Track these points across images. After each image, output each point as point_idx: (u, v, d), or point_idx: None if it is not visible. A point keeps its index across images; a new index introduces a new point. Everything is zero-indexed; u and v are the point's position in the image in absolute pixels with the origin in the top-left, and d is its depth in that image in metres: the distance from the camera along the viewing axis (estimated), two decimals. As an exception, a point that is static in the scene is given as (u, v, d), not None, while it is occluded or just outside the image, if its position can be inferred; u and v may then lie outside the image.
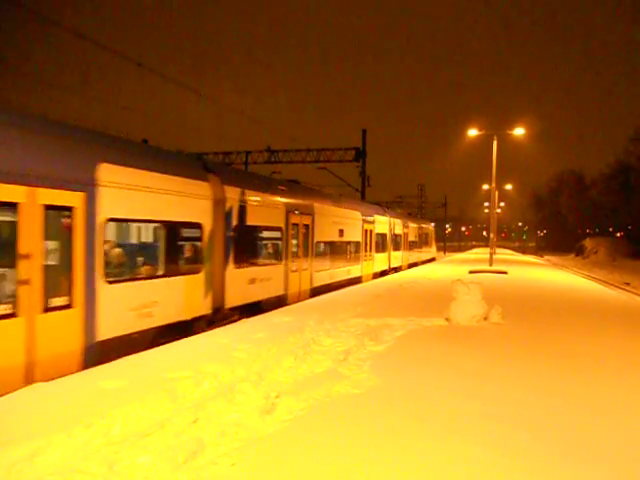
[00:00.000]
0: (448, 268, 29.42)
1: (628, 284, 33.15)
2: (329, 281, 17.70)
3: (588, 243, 77.49)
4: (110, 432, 4.51)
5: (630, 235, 77.70)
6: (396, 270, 29.18)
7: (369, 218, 23.40)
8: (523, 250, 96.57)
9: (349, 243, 20.29)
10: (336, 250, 18.68)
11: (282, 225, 13.97)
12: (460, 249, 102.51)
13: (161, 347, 8.16)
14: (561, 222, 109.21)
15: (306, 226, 15.60)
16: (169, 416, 4.93)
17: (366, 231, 22.64)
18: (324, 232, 17.20)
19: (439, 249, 63.94)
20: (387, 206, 39.31)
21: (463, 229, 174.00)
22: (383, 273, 26.11)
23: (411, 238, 34.79)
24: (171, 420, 4.81)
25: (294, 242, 14.76)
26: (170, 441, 4.38)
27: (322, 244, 17.24)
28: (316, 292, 15.92)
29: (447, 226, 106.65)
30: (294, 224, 14.73)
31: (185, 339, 8.84)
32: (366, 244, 22.70)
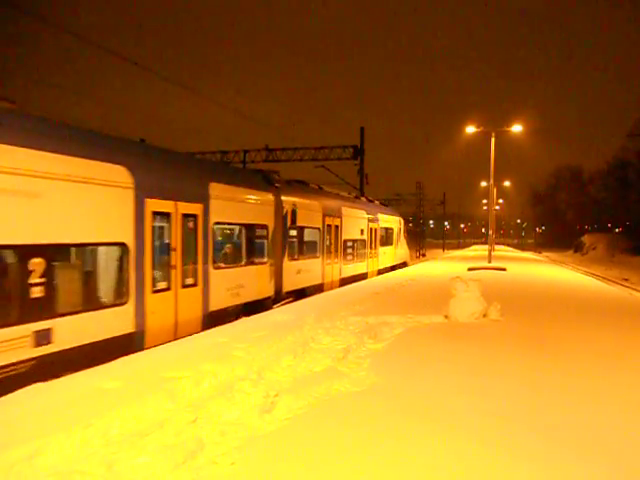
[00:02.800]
0: (447, 265, 29.42)
1: (627, 280, 33.24)
2: None
3: (586, 239, 77.66)
4: (109, 432, 4.50)
5: (629, 231, 77.75)
6: (301, 295, 15.36)
7: (187, 193, 10.34)
8: (521, 247, 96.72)
9: (59, 250, 7.44)
10: None
11: None
12: (459, 246, 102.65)
13: (160, 347, 8.15)
14: (559, 218, 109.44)
15: None
16: (168, 416, 4.91)
17: (177, 223, 9.93)
18: None
19: (414, 248, 57.96)
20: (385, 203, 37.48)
21: (462, 226, 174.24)
22: (255, 306, 12.61)
23: (349, 235, 20.79)
24: (170, 420, 4.80)
25: None
26: (169, 441, 4.36)
27: None
28: None
29: (446, 223, 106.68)
30: None
31: (184, 339, 8.83)
32: (169, 252, 9.76)
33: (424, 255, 61.90)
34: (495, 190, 36.26)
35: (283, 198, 14.79)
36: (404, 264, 32.02)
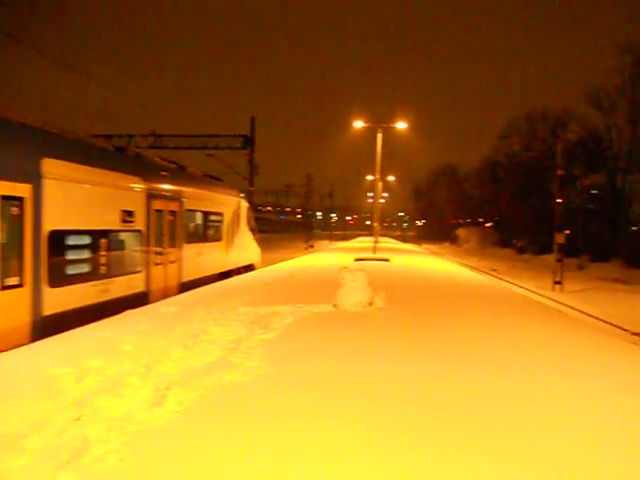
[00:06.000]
0: (334, 256, 30.20)
1: (495, 270, 36.52)
2: None
3: (461, 232, 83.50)
4: (-19, 436, 4.16)
5: (498, 225, 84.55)
6: None
7: None
8: (404, 239, 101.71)
9: None
10: None
11: None
12: (345, 238, 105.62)
13: (37, 342, 7.63)
14: (438, 212, 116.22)
15: None
16: (49, 415, 4.63)
17: None
18: None
19: (303, 239, 55.91)
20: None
21: (348, 218, 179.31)
22: None
23: (77, 222, 9.99)
24: (51, 419, 4.53)
25: None
26: (51, 441, 4.13)
27: None
28: None
29: (333, 215, 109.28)
30: None
31: (63, 333, 8.31)
32: None
33: (312, 246, 62.92)
34: (381, 184, 37.76)
35: None
36: (250, 267, 22.51)
